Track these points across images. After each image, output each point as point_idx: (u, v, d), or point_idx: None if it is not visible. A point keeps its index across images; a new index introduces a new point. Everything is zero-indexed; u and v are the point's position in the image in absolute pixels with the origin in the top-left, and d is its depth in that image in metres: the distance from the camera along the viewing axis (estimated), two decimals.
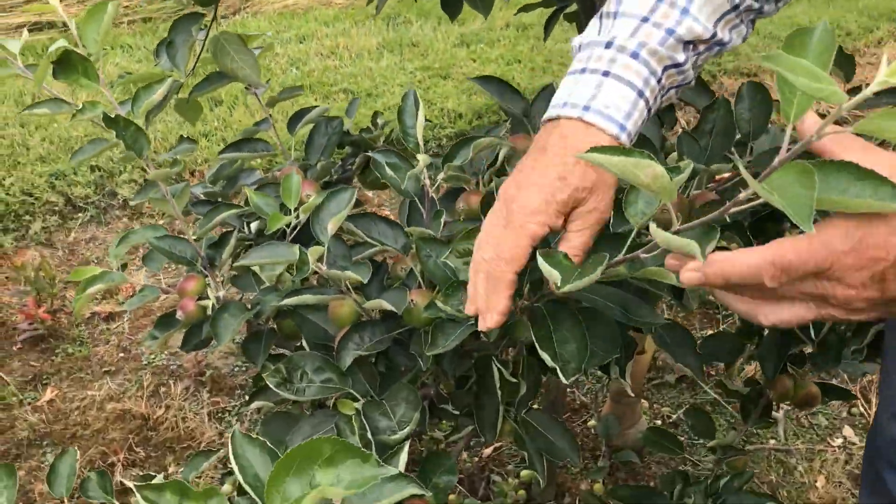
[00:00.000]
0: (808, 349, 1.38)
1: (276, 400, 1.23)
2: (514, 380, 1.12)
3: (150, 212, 3.05)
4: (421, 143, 1.13)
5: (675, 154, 1.15)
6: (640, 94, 0.82)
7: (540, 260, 0.75)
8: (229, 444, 0.77)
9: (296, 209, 1.24)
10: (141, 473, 2.00)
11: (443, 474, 1.00)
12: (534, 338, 0.85)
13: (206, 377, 2.28)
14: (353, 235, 1.12)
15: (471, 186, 1.30)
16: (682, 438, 2.27)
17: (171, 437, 2.10)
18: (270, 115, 1.48)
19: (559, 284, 0.72)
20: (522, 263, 0.78)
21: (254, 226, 1.40)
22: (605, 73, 0.82)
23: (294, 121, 1.48)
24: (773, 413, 1.41)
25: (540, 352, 0.85)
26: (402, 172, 1.10)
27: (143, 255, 1.43)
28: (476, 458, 2.22)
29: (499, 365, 1.08)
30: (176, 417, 2.15)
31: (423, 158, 1.06)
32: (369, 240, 1.08)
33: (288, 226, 1.25)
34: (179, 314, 1.27)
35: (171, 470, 2.01)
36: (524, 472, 2.19)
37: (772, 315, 0.67)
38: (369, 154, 1.19)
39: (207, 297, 1.27)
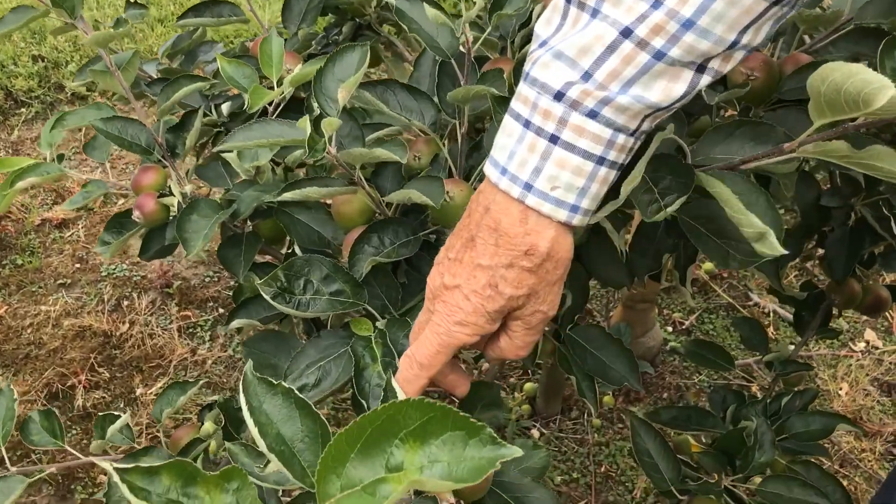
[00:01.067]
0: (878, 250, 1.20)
1: (264, 318, 1.00)
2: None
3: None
4: None
5: None
6: (601, 161, 0.60)
7: None
8: (241, 393, 0.55)
9: (279, 82, 0.99)
10: (105, 397, 1.79)
11: (486, 408, 0.79)
12: None
13: (173, 289, 2.05)
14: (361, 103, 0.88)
15: (495, 54, 1.06)
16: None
17: (138, 356, 1.88)
18: None
19: None
20: (439, 369, 0.66)
21: (225, 108, 1.15)
22: (553, 139, 0.59)
23: None
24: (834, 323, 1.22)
25: None
26: (433, 24, 0.85)
27: (83, 144, 1.17)
28: (476, 372, 2.05)
29: None
30: (142, 334, 1.93)
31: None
32: (389, 112, 0.84)
33: (271, 104, 1.00)
34: (136, 214, 1.03)
35: (138, 392, 1.80)
36: (527, 385, 2.02)
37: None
38: (367, 17, 0.94)
39: (169, 193, 1.04)
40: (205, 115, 1.11)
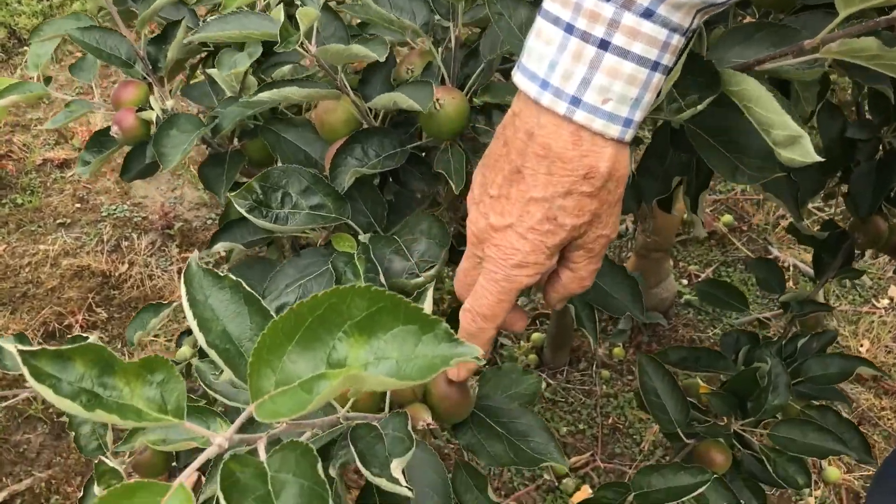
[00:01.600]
0: None
1: (248, 242, 0.94)
2: None
3: None
4: None
5: None
6: (656, 66, 0.53)
7: None
8: (182, 284, 0.50)
9: None
10: (103, 337, 1.75)
11: None
12: None
13: (174, 230, 2.00)
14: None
15: None
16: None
17: (136, 297, 1.84)
18: None
19: None
20: (504, 318, 0.60)
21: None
22: (603, 45, 0.51)
23: None
24: (856, 263, 1.15)
25: None
26: None
27: (70, 65, 1.11)
28: None
29: None
30: (141, 274, 1.89)
31: None
32: (377, 9, 0.77)
33: (252, 6, 0.93)
34: (115, 130, 0.98)
35: (137, 334, 1.76)
36: (535, 335, 1.96)
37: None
38: None
39: (150, 109, 0.98)
40: (189, 28, 1.05)
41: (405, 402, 0.63)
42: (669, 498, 0.91)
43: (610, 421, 1.77)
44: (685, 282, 2.09)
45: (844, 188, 1.15)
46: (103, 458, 0.70)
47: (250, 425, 0.49)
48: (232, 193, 0.74)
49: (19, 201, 2.08)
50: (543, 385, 1.84)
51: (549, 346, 1.89)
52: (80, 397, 0.38)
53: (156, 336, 1.76)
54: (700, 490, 0.89)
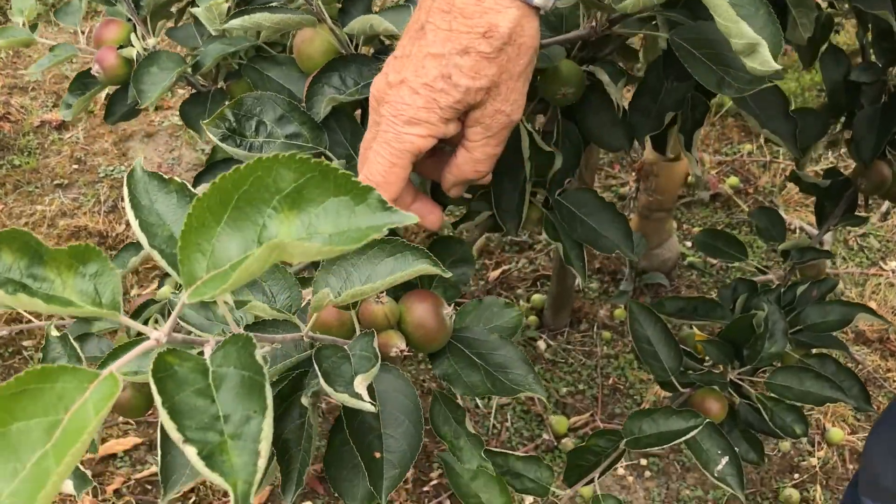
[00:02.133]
0: None
1: None
2: (549, 148, 0.82)
3: None
4: None
5: None
6: None
7: None
8: (125, 188, 0.48)
9: None
10: None
11: (455, 264, 0.71)
12: None
13: None
14: None
15: None
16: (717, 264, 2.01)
17: None
18: None
19: None
20: (400, 187, 0.58)
21: None
22: None
23: None
24: (860, 212, 1.11)
25: None
26: None
27: (55, 10, 1.09)
28: (482, 282, 1.97)
29: (529, 128, 0.78)
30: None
31: None
32: None
33: None
34: (96, 69, 0.95)
35: (133, 293, 1.75)
36: (535, 297, 1.94)
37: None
38: None
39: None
40: None
41: (378, 329, 0.61)
42: (661, 442, 0.88)
43: (610, 381, 1.75)
44: (689, 244, 2.05)
45: (848, 135, 1.11)
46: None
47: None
48: (205, 121, 0.72)
49: (17, 162, 2.07)
50: (543, 346, 1.82)
51: (549, 308, 1.87)
52: (6, 287, 0.36)
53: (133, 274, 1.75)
54: (692, 434, 0.87)
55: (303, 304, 0.61)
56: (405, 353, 0.60)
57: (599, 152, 1.63)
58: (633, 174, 1.86)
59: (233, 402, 0.36)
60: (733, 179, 2.17)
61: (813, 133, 1.09)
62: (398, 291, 0.64)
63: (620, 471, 1.60)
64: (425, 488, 1.55)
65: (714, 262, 2.00)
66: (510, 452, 0.86)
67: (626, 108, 0.87)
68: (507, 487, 0.79)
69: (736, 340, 0.99)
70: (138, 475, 1.54)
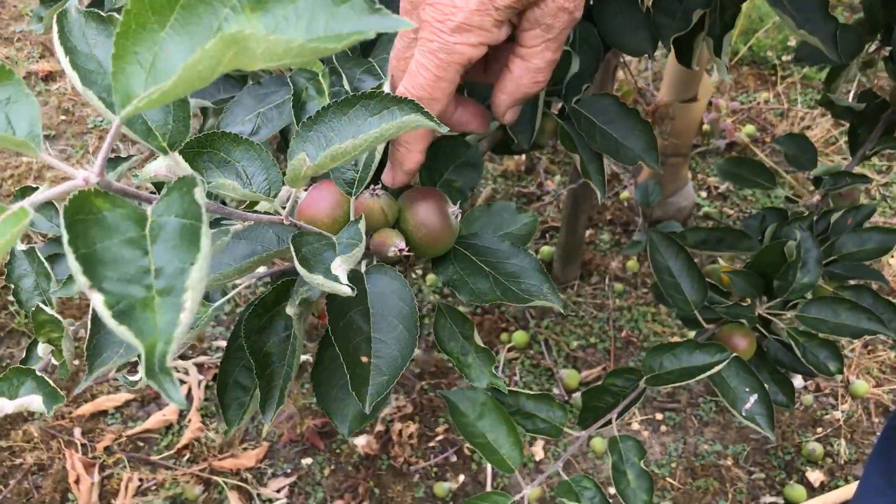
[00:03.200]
0: None
1: (219, 100, 0.84)
2: (565, 47, 0.74)
3: None
4: None
5: None
6: None
7: None
8: (56, 35, 0.41)
9: None
10: None
11: (460, 169, 0.63)
12: None
13: None
14: None
15: None
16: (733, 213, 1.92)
17: None
18: None
19: None
20: (447, 103, 0.49)
21: None
22: None
23: None
24: None
25: None
26: None
27: None
28: None
29: None
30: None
31: None
32: None
33: None
34: None
35: None
36: (544, 249, 1.86)
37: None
38: None
39: None
40: None
41: (375, 228, 0.53)
42: (683, 378, 0.81)
43: (623, 335, 1.67)
44: (704, 194, 1.97)
45: (886, 53, 1.03)
46: (41, 304, 0.61)
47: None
48: None
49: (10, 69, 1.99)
50: None
51: (558, 260, 1.79)
52: None
53: None
54: (717, 368, 0.80)
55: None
56: (404, 254, 0.53)
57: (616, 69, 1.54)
58: (648, 116, 1.78)
59: (168, 254, 0.28)
60: (749, 128, 2.08)
61: (849, 48, 1.00)
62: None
63: (635, 425, 1.53)
64: (431, 444, 1.48)
65: (731, 212, 1.92)
66: (520, 391, 0.79)
67: (650, 7, 0.79)
68: (516, 427, 0.71)
69: (765, 271, 0.91)
70: (129, 431, 1.48)
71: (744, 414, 0.86)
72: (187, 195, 0.30)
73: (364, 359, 0.46)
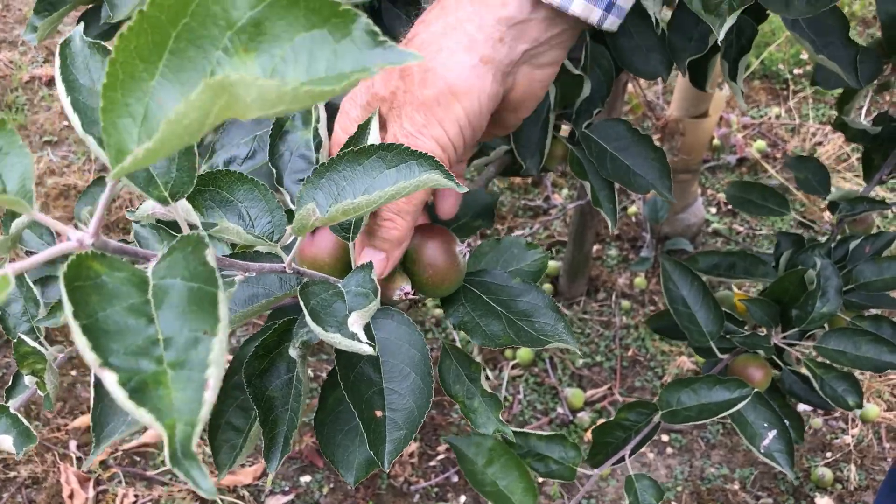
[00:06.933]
0: None
1: None
2: (577, 72, 0.71)
3: None
4: None
5: None
6: None
7: None
8: (57, 66, 0.38)
9: None
10: None
11: (478, 213, 0.61)
12: None
13: None
14: None
15: None
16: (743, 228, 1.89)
17: (123, 218, 1.73)
18: None
19: None
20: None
21: None
22: None
23: None
24: None
25: None
26: None
27: None
28: None
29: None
30: (131, 196, 1.77)
31: None
32: None
33: None
34: None
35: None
36: (550, 264, 1.83)
37: None
38: None
39: None
40: None
41: None
42: (702, 416, 0.78)
43: (629, 353, 1.64)
44: (714, 209, 1.94)
45: None
46: (22, 336, 0.58)
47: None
48: None
49: (5, 119, 1.97)
50: None
51: (564, 275, 1.76)
52: None
53: None
54: (739, 406, 0.77)
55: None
56: (411, 298, 0.50)
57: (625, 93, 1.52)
58: (658, 134, 1.75)
59: (177, 321, 0.26)
60: (760, 143, 2.05)
61: (867, 71, 0.98)
62: None
63: None
64: (431, 462, 1.45)
65: (740, 228, 1.89)
66: (531, 431, 0.75)
67: (665, 29, 0.76)
68: (528, 471, 0.68)
69: (783, 299, 0.89)
70: (126, 446, 1.45)
71: (762, 451, 0.83)
72: (194, 256, 0.27)
73: (378, 413, 0.43)
